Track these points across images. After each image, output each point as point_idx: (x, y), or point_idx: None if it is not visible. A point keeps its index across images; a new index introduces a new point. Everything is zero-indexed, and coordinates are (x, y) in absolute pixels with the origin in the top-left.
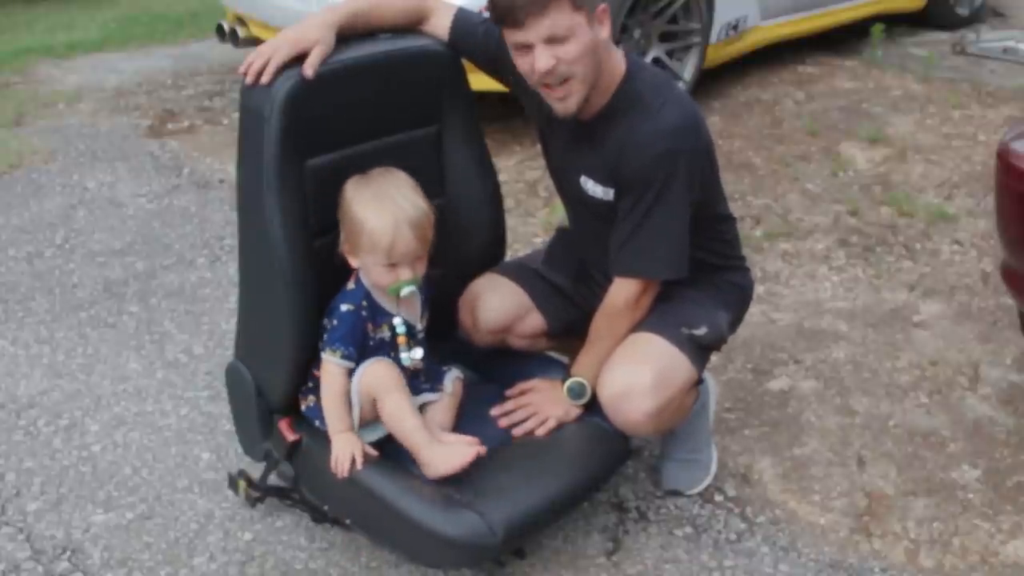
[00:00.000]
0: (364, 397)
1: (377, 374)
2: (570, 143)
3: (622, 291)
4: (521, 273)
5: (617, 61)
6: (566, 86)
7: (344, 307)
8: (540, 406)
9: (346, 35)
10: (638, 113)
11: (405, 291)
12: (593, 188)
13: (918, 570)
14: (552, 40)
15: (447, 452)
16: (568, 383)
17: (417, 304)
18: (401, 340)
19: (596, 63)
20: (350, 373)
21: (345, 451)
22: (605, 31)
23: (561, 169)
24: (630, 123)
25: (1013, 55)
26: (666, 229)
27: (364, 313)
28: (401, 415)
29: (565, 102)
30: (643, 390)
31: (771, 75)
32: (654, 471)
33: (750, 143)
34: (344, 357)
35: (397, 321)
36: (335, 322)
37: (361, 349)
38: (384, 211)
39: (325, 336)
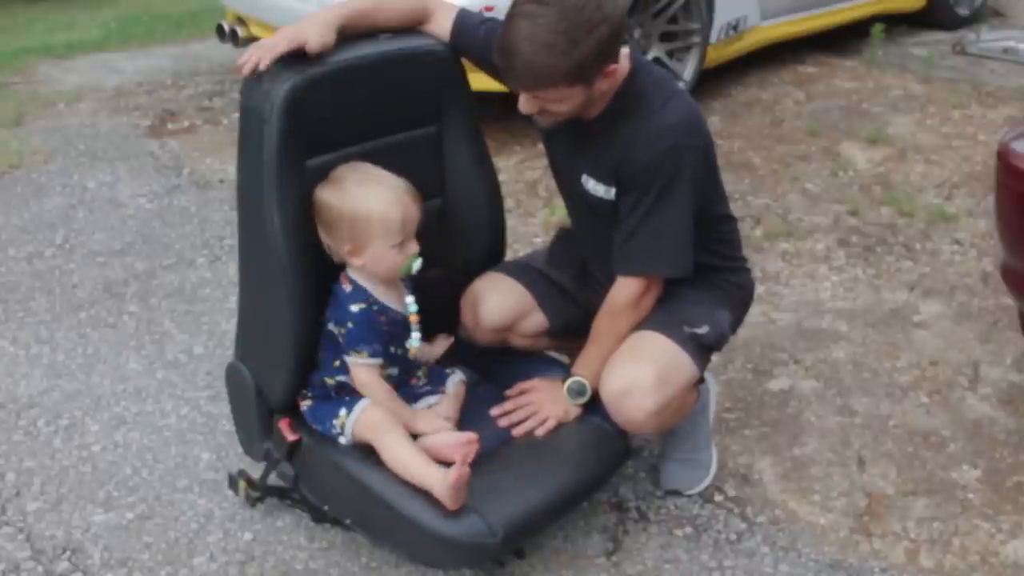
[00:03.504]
0: (356, 439)
1: (367, 424)
2: (572, 142)
3: (624, 290)
4: (523, 272)
5: (621, 67)
6: (549, 115)
7: (355, 308)
8: (540, 406)
9: (346, 35)
10: (641, 111)
11: (416, 265)
12: (595, 187)
13: (918, 570)
14: (543, 99)
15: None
16: (568, 382)
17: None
18: (413, 319)
19: (589, 103)
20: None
21: (432, 424)
22: (609, 81)
23: (563, 168)
24: (633, 121)
25: (1013, 55)
26: (670, 226)
27: (375, 307)
28: (400, 455)
29: (546, 121)
30: (645, 388)
31: (771, 75)
32: (654, 471)
33: (750, 143)
34: (371, 355)
35: (409, 300)
36: (351, 324)
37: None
38: (379, 192)
39: (342, 341)
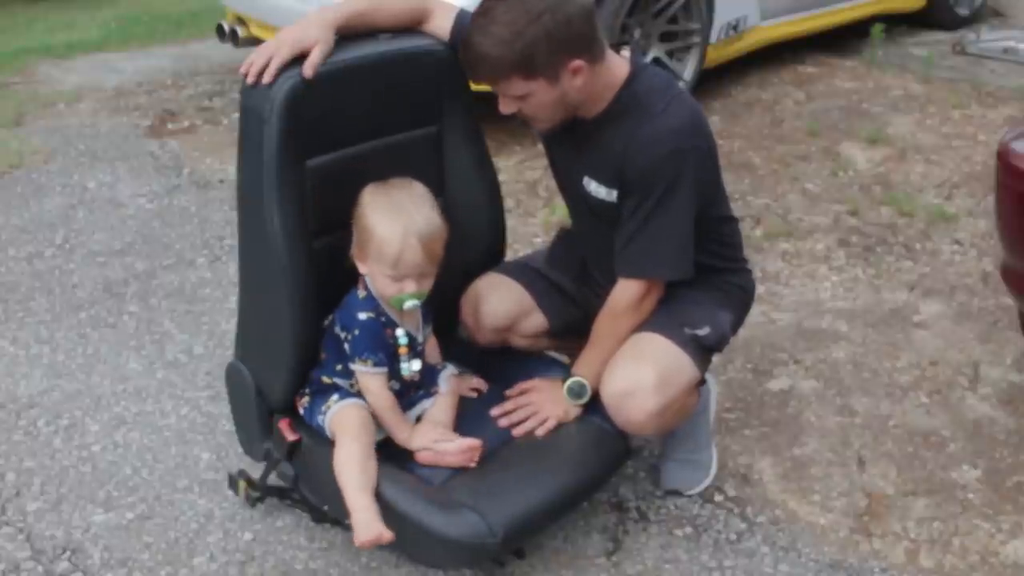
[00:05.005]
0: (329, 430)
1: (343, 418)
2: (573, 144)
3: (626, 292)
4: (523, 272)
5: (616, 70)
6: (533, 119)
7: (363, 315)
8: (540, 406)
9: (346, 35)
10: (642, 114)
11: (408, 304)
12: (596, 189)
13: (918, 570)
14: (510, 95)
15: (367, 519)
16: (568, 382)
17: (418, 317)
18: (403, 350)
19: (565, 107)
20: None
21: (430, 440)
22: (580, 79)
23: (564, 169)
24: (634, 125)
25: (1013, 55)
26: (671, 229)
27: (383, 319)
28: (346, 468)
29: (539, 127)
30: (646, 389)
31: (771, 75)
32: (654, 471)
33: (750, 143)
34: (376, 364)
35: (399, 332)
36: (357, 331)
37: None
38: (396, 221)
39: (348, 347)
